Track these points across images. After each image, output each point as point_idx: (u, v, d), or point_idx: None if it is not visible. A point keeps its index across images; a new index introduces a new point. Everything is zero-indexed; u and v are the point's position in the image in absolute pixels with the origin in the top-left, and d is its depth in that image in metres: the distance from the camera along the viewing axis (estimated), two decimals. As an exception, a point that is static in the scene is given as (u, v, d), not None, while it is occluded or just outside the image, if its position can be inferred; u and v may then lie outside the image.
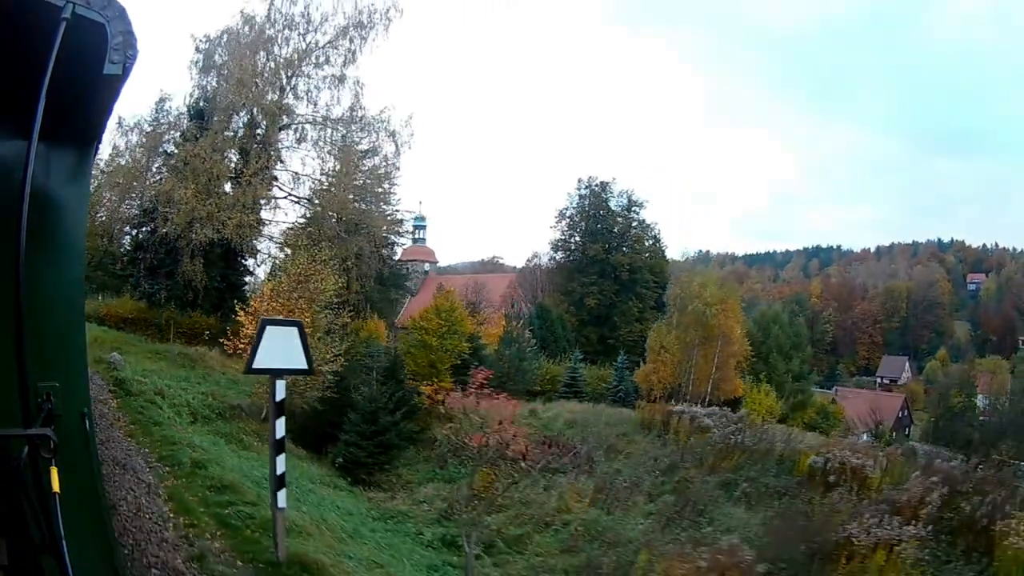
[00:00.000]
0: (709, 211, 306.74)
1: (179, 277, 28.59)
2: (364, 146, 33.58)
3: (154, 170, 30.85)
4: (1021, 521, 11.64)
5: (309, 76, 31.80)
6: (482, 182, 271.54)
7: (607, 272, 55.44)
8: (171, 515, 7.93)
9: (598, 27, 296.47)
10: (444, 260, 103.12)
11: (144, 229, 30.19)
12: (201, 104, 30.56)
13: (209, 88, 31.02)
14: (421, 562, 12.07)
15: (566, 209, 61.74)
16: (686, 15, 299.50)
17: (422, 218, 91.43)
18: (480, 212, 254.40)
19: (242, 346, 18.96)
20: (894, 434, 53.44)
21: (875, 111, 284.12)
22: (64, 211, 2.93)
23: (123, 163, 30.79)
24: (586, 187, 60.82)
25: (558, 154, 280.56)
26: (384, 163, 34.76)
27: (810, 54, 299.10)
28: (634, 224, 59.17)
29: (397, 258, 52.28)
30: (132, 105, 33.85)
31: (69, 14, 2.47)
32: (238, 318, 20.48)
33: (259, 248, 33.52)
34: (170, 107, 31.69)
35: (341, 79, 31.95)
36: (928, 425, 47.40)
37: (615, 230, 58.40)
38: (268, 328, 7.39)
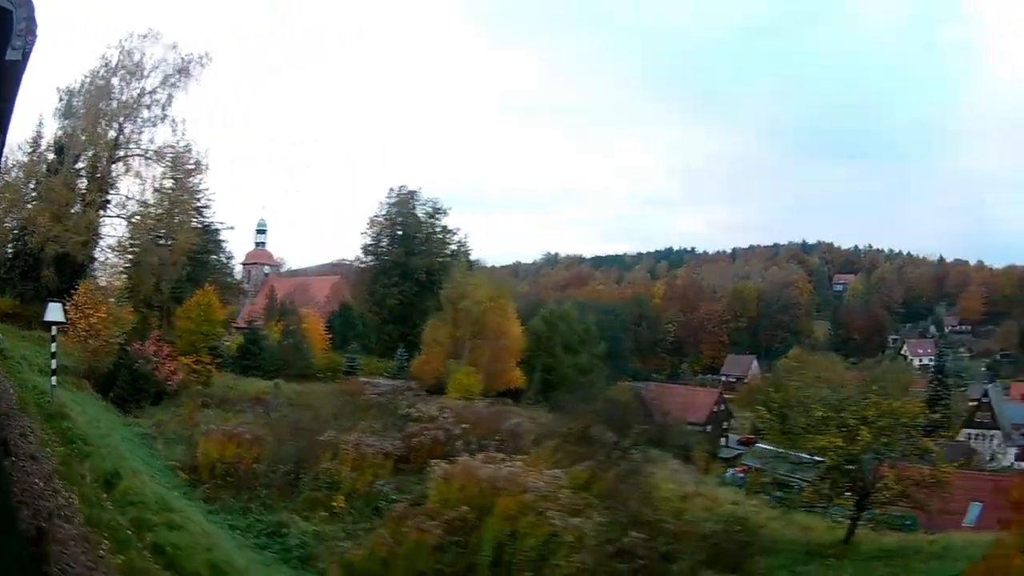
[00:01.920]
0: (571, 213, 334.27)
1: (41, 281, 42.96)
2: (179, 174, 48.02)
3: (32, 194, 45.87)
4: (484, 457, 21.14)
5: (140, 116, 46.22)
6: (337, 187, 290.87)
7: (408, 274, 68.51)
8: (15, 398, 18.78)
9: (460, 30, 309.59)
10: (298, 262, 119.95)
11: (19, 242, 45.16)
12: (62, 142, 45.57)
13: (67, 129, 45.99)
14: (127, 434, 24.40)
15: (377, 216, 74.98)
16: (555, 15, 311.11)
17: (264, 224, 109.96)
18: (332, 216, 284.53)
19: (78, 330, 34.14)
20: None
21: (749, 115, 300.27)
22: None
23: (9, 180, 45.57)
24: (396, 195, 74.22)
25: (416, 158, 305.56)
26: (188, 184, 49.48)
27: (682, 58, 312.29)
28: (437, 230, 72.90)
29: (241, 261, 68.68)
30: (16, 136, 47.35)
31: None
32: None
33: (96, 257, 48.49)
34: (41, 143, 46.69)
35: (163, 117, 46.35)
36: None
37: (418, 235, 71.58)
38: (51, 304, 22.95)
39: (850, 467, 28.23)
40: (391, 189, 75.39)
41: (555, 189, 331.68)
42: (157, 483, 16.03)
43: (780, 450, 31.69)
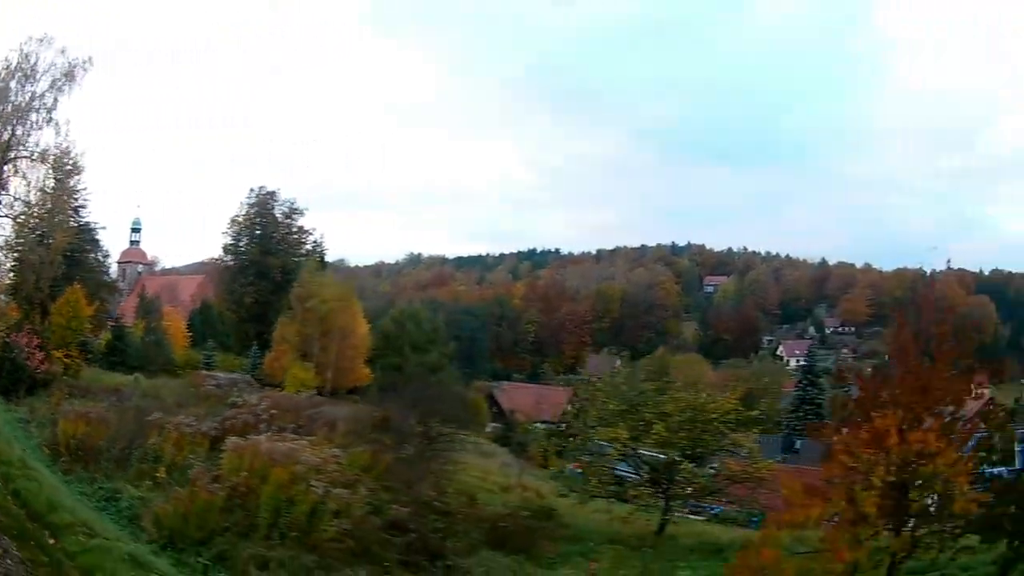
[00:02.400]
0: (440, 213, 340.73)
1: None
2: (60, 175, 51.15)
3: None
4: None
5: (30, 119, 49.42)
6: (213, 186, 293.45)
7: (264, 274, 72.50)
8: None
9: (334, 27, 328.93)
10: (174, 261, 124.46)
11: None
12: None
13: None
14: (9, 419, 26.77)
15: (237, 216, 78.30)
16: (436, 15, 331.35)
17: (138, 223, 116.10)
18: (208, 215, 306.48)
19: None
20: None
21: (622, 116, 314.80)
22: None
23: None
24: (255, 196, 77.93)
25: (289, 156, 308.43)
26: (67, 185, 54.28)
27: (553, 57, 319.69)
28: (293, 230, 77.36)
29: (117, 260, 76.43)
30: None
31: None
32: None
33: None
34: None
35: (49, 120, 49.48)
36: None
37: (275, 235, 75.86)
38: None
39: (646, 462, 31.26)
40: (251, 190, 79.22)
41: (422, 189, 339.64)
42: (23, 452, 19.08)
43: (617, 446, 32.18)
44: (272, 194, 79.10)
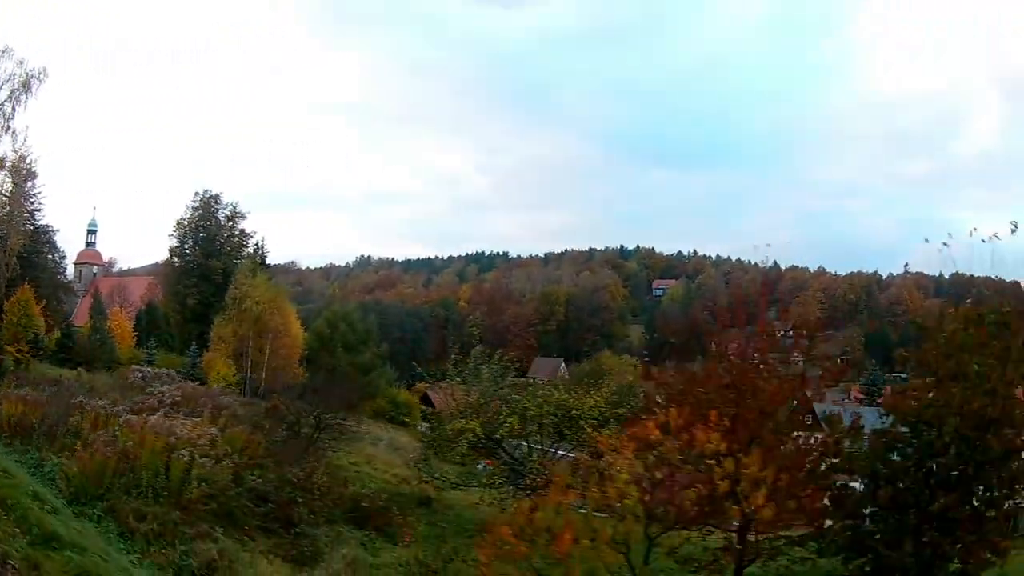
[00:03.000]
0: (391, 215, 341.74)
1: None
2: (17, 178, 54.78)
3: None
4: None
5: None
6: (168, 188, 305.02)
7: (206, 276, 75.48)
8: None
9: (289, 31, 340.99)
10: (131, 262, 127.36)
11: None
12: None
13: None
14: None
15: (182, 219, 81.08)
16: (376, 17, 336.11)
17: (95, 224, 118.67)
18: (162, 216, 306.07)
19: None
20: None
21: (572, 119, 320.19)
22: None
23: None
24: (200, 199, 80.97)
25: (242, 159, 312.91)
26: (24, 190, 57.31)
27: (505, 60, 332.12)
28: (236, 233, 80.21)
29: (74, 261, 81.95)
30: None
31: None
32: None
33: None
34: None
35: (7, 128, 51.13)
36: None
37: (218, 238, 78.94)
38: None
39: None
40: (196, 193, 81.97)
41: (374, 192, 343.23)
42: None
43: (469, 436, 34.36)
44: (216, 197, 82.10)
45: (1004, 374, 15.02)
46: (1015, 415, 15.18)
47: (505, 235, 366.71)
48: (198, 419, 27.45)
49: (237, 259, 78.21)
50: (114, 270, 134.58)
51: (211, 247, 79.80)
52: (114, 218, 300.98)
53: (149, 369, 49.18)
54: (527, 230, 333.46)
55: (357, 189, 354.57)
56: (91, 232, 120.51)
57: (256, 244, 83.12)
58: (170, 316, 79.92)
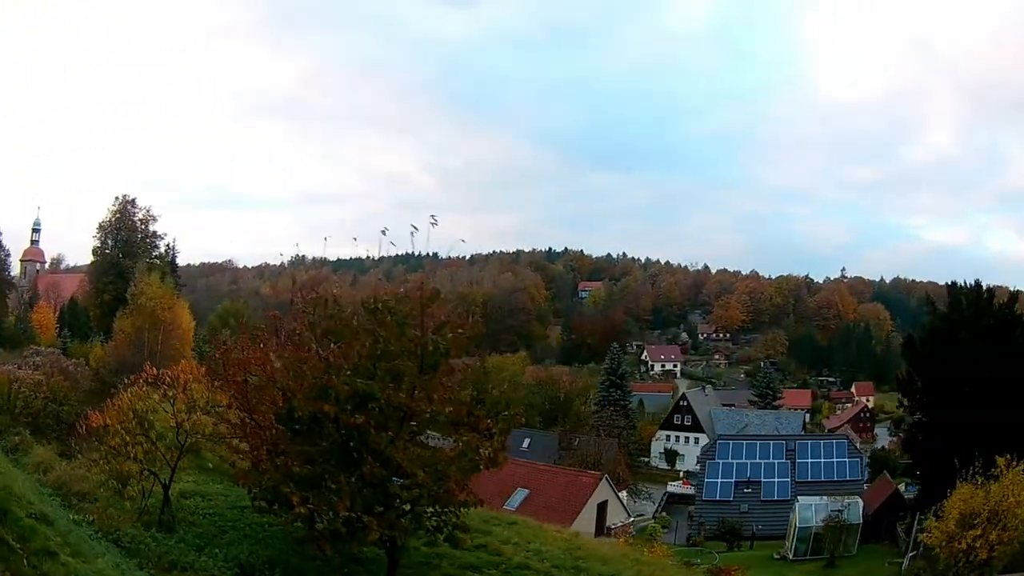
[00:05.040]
0: (326, 216, 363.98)
1: None
2: None
3: None
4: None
5: None
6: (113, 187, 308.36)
7: (121, 274, 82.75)
8: None
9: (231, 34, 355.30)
10: (79, 259, 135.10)
11: None
12: None
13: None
14: None
15: (103, 221, 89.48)
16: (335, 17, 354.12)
17: (39, 223, 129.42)
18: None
19: None
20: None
21: (529, 122, 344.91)
22: None
23: None
24: (118, 203, 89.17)
25: (180, 157, 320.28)
26: None
27: (448, 64, 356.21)
28: (148, 234, 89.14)
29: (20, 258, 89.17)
30: None
31: None
32: None
33: None
34: None
35: None
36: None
37: (134, 239, 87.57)
38: None
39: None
40: (116, 197, 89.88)
41: (316, 192, 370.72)
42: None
43: None
44: (132, 201, 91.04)
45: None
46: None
47: (450, 236, 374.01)
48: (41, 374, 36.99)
49: (148, 259, 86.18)
50: (62, 267, 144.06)
51: (127, 247, 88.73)
52: (65, 217, 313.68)
53: (44, 349, 58.03)
54: (471, 231, 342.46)
55: (297, 189, 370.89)
56: (35, 231, 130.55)
57: (167, 245, 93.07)
58: (90, 310, 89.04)
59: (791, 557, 35.48)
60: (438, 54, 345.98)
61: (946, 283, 47.61)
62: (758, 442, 57.91)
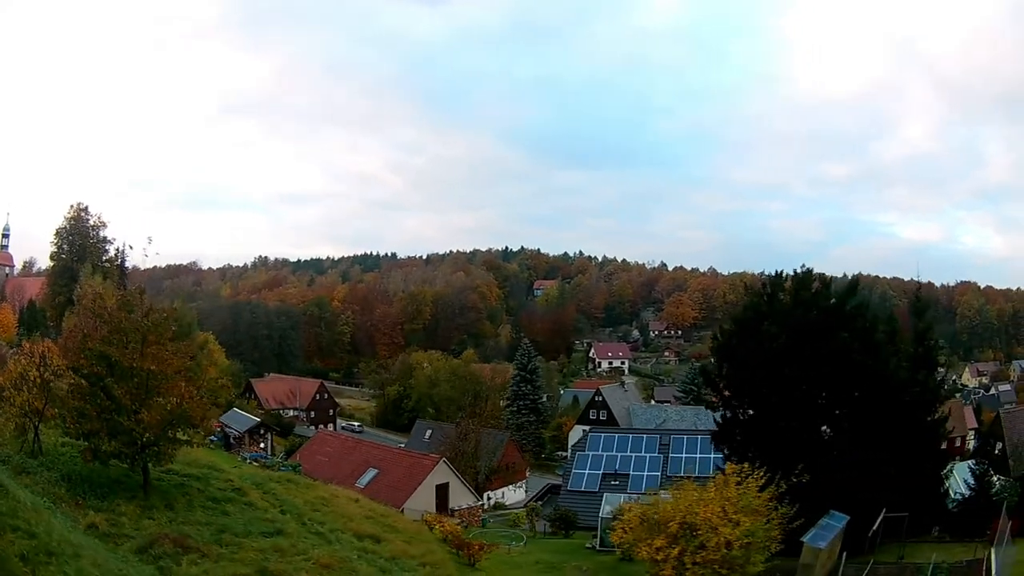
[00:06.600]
0: (293, 217, 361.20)
1: None
2: None
3: None
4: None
5: None
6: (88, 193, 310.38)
7: (75, 277, 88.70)
8: None
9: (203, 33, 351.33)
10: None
11: None
12: None
13: None
14: None
15: (61, 227, 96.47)
16: (304, 15, 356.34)
17: (8, 228, 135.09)
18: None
19: None
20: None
21: (498, 121, 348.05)
22: None
23: None
24: (73, 210, 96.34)
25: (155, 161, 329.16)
26: None
27: (433, 61, 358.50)
28: (100, 239, 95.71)
29: None
30: None
31: None
32: None
33: None
34: None
35: None
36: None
37: (86, 244, 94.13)
38: None
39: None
40: (71, 205, 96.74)
41: (283, 192, 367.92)
42: None
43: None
44: (86, 209, 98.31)
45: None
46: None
47: (418, 236, 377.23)
48: None
49: (99, 263, 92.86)
50: (34, 270, 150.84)
51: (80, 252, 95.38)
52: (40, 222, 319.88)
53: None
54: (438, 230, 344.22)
55: (265, 190, 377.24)
56: (4, 236, 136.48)
57: (116, 249, 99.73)
58: (47, 311, 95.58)
59: (598, 547, 37.73)
60: (409, 51, 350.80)
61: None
62: (630, 435, 56.47)
